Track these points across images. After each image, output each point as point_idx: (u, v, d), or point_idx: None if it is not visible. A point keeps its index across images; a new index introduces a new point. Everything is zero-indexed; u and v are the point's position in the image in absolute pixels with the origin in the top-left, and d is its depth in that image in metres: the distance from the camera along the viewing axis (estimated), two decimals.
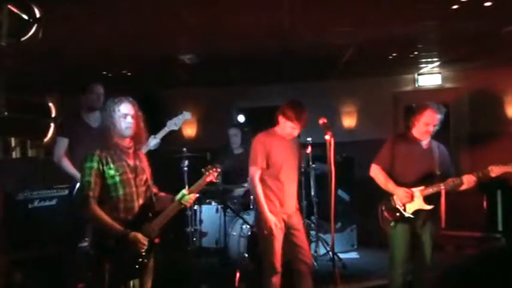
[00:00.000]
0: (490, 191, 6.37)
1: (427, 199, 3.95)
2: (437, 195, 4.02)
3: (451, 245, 6.30)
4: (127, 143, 3.16)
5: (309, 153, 5.69)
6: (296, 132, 3.94)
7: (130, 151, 3.19)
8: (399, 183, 3.98)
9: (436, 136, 4.10)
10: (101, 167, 3.04)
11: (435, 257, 4.11)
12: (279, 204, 3.95)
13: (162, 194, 3.42)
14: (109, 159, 3.08)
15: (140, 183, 3.19)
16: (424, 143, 4.07)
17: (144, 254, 3.08)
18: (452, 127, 8.18)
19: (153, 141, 4.32)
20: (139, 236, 3.04)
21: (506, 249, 6.02)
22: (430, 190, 3.93)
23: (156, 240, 3.18)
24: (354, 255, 6.32)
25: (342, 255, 5.94)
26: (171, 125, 4.45)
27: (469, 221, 6.42)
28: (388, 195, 4.05)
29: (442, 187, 3.92)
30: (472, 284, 4.57)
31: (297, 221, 4.05)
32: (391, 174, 4.04)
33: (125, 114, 3.10)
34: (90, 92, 4.45)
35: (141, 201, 3.17)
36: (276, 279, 3.89)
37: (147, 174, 3.27)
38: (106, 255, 3.03)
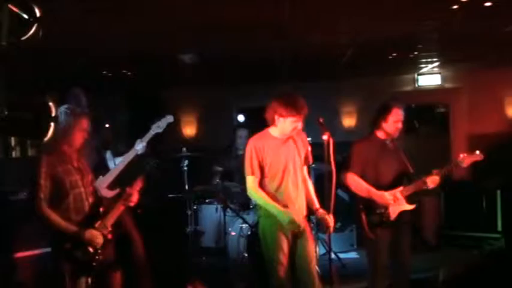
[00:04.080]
0: (490, 191, 6.37)
1: (408, 199, 3.87)
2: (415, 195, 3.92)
3: (451, 245, 6.29)
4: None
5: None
6: (300, 125, 3.51)
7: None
8: (376, 187, 3.85)
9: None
10: None
11: (435, 257, 4.09)
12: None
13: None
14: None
15: (87, 184, 3.35)
16: (389, 142, 3.99)
17: (99, 250, 3.22)
18: (452, 127, 8.19)
19: (140, 145, 4.33)
20: (94, 233, 3.18)
21: (506, 249, 6.02)
22: (410, 189, 3.85)
23: (109, 236, 3.30)
24: (353, 255, 6.31)
25: (341, 255, 5.94)
26: (155, 128, 4.45)
27: (469, 221, 6.42)
28: (366, 201, 3.89)
29: (425, 185, 3.84)
30: (472, 284, 4.57)
31: (305, 234, 3.61)
32: (364, 179, 3.89)
33: None
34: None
35: (90, 200, 3.31)
36: None
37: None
38: (64, 257, 3.15)
